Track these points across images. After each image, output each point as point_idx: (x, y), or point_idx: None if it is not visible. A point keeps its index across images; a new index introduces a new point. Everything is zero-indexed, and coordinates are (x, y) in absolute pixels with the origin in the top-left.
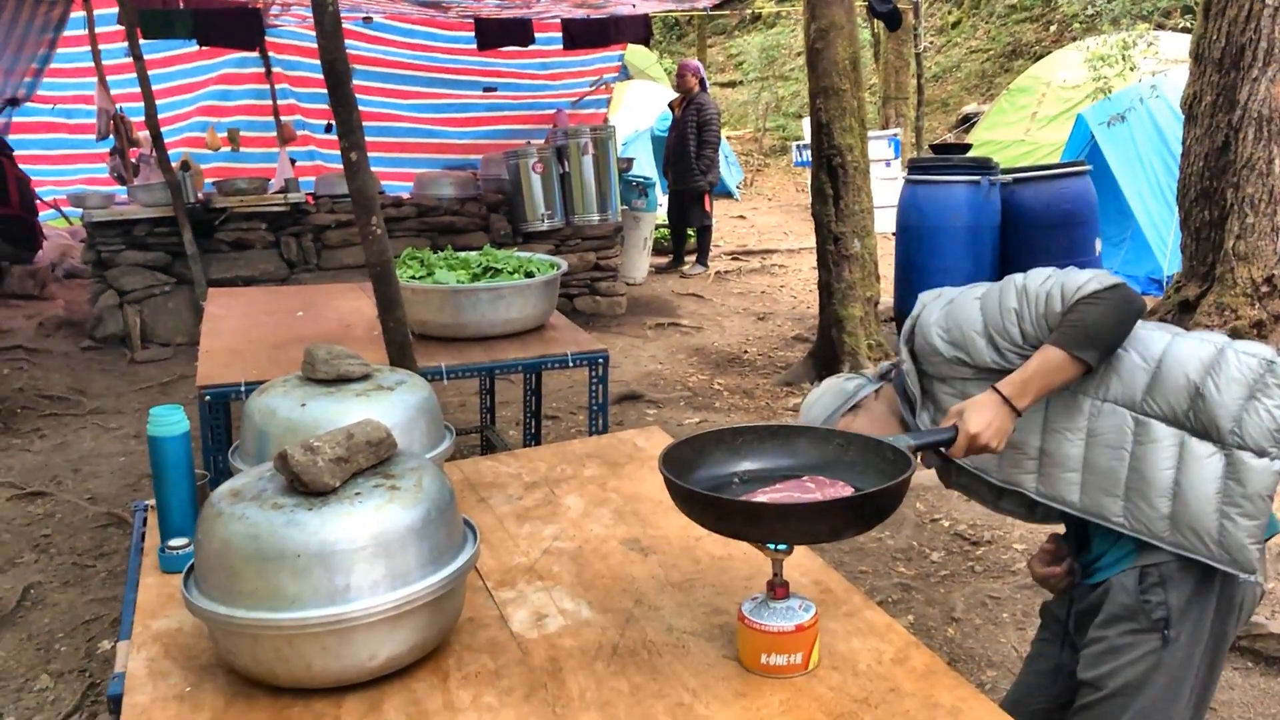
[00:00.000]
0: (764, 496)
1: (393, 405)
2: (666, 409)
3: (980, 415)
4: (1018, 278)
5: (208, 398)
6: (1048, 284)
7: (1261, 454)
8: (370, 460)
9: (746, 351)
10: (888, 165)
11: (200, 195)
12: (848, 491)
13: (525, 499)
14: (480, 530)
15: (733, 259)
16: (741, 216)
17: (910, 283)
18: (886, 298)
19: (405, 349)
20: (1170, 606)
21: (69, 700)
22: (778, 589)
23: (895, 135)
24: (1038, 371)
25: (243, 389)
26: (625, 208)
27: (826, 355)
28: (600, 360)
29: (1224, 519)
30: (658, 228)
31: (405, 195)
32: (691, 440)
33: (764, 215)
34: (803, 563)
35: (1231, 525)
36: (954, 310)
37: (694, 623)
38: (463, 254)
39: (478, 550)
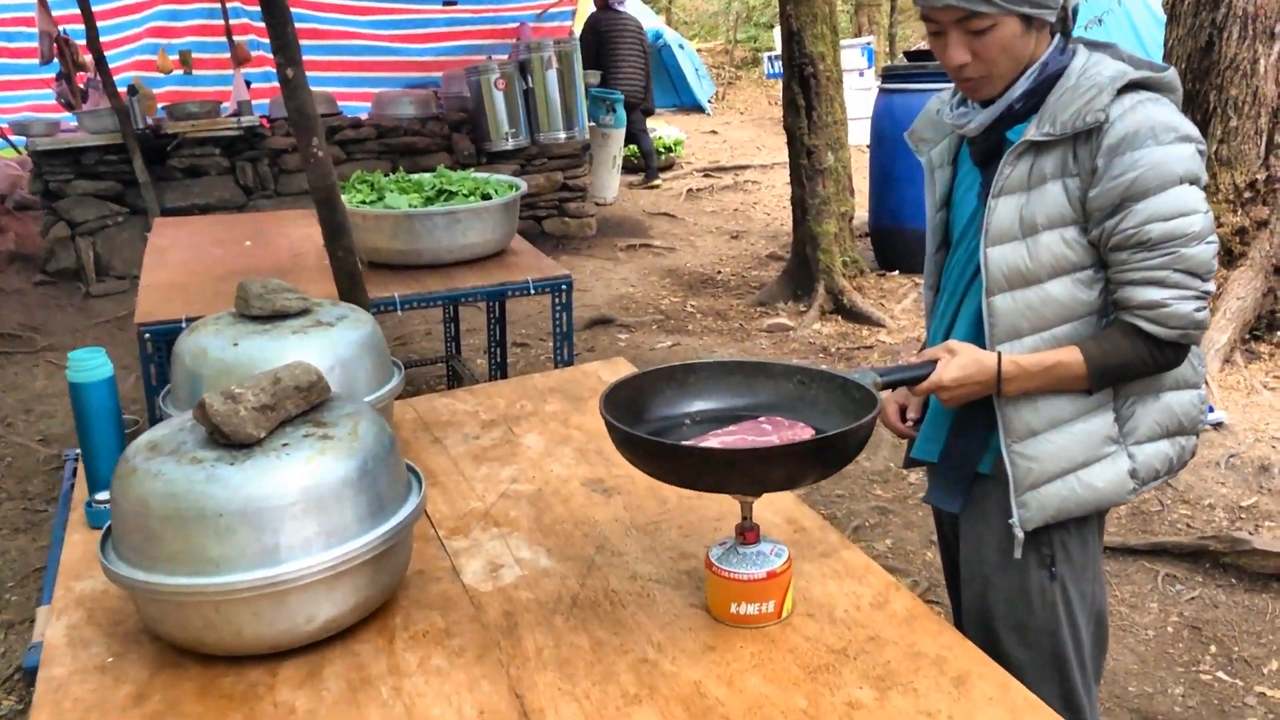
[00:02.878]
0: (715, 440)
1: (334, 342)
2: (638, 333)
3: (964, 373)
4: (1192, 215)
5: (148, 335)
6: (1184, 255)
7: None
8: (300, 407)
9: (720, 272)
10: (861, 75)
11: (151, 121)
12: (807, 434)
13: (483, 438)
14: (434, 473)
15: (705, 176)
16: (713, 132)
17: (886, 197)
18: (861, 213)
19: (355, 279)
20: None
21: (19, 652)
22: (747, 533)
23: (868, 43)
24: (1050, 375)
25: (184, 326)
26: (593, 124)
27: (801, 274)
28: (564, 286)
29: None
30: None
31: (364, 116)
32: (638, 378)
33: (736, 130)
34: (775, 499)
35: None
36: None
37: (660, 569)
38: (415, 176)
39: (423, 501)
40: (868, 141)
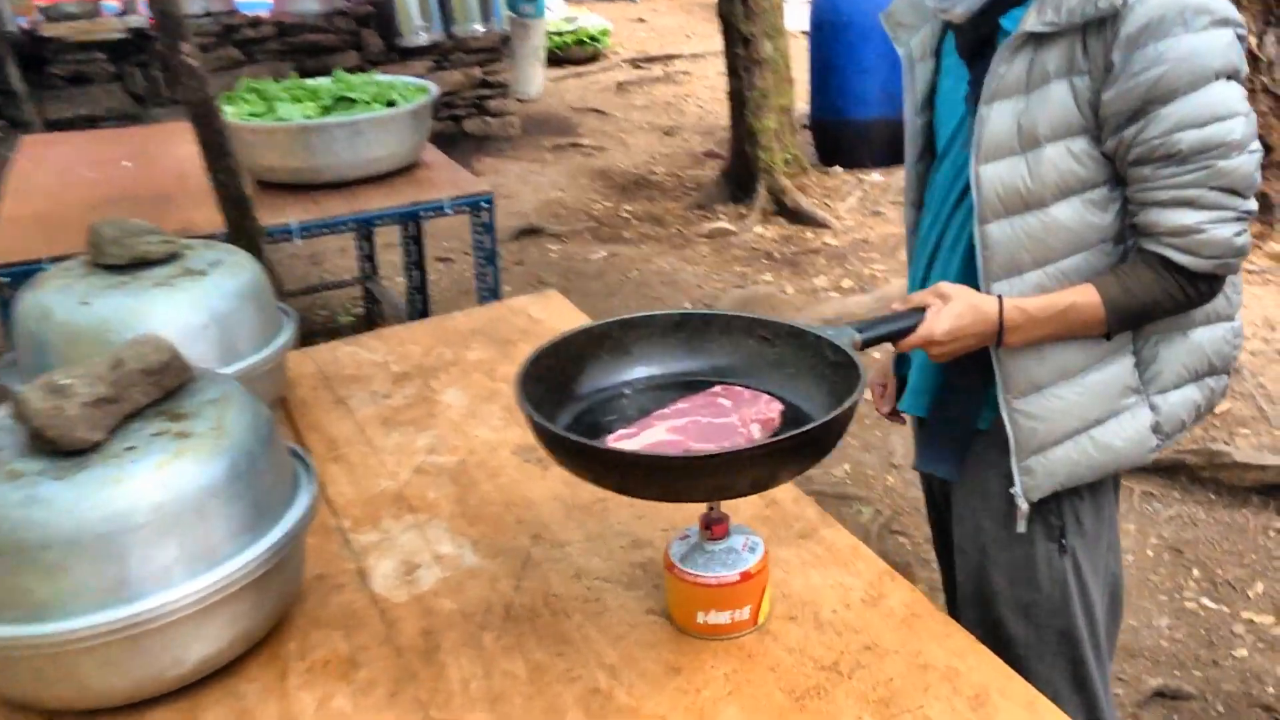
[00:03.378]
0: (661, 426)
1: (207, 294)
2: (570, 243)
3: (959, 324)
4: (1227, 118)
5: (5, 280)
6: (1221, 168)
7: None
8: (149, 396)
9: (654, 172)
10: None
11: (26, 23)
12: (773, 410)
13: (394, 396)
14: (336, 444)
15: (634, 67)
16: (640, 20)
17: (827, 87)
18: (801, 104)
19: (243, 207)
20: None
21: None
22: (714, 526)
23: None
24: (1061, 321)
25: (46, 269)
26: (512, 15)
27: (740, 173)
28: (484, 204)
29: None
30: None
31: (264, 14)
32: (565, 343)
33: (664, 17)
34: None
35: None
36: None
37: (609, 564)
38: (311, 82)
39: (315, 503)
40: (805, 27)
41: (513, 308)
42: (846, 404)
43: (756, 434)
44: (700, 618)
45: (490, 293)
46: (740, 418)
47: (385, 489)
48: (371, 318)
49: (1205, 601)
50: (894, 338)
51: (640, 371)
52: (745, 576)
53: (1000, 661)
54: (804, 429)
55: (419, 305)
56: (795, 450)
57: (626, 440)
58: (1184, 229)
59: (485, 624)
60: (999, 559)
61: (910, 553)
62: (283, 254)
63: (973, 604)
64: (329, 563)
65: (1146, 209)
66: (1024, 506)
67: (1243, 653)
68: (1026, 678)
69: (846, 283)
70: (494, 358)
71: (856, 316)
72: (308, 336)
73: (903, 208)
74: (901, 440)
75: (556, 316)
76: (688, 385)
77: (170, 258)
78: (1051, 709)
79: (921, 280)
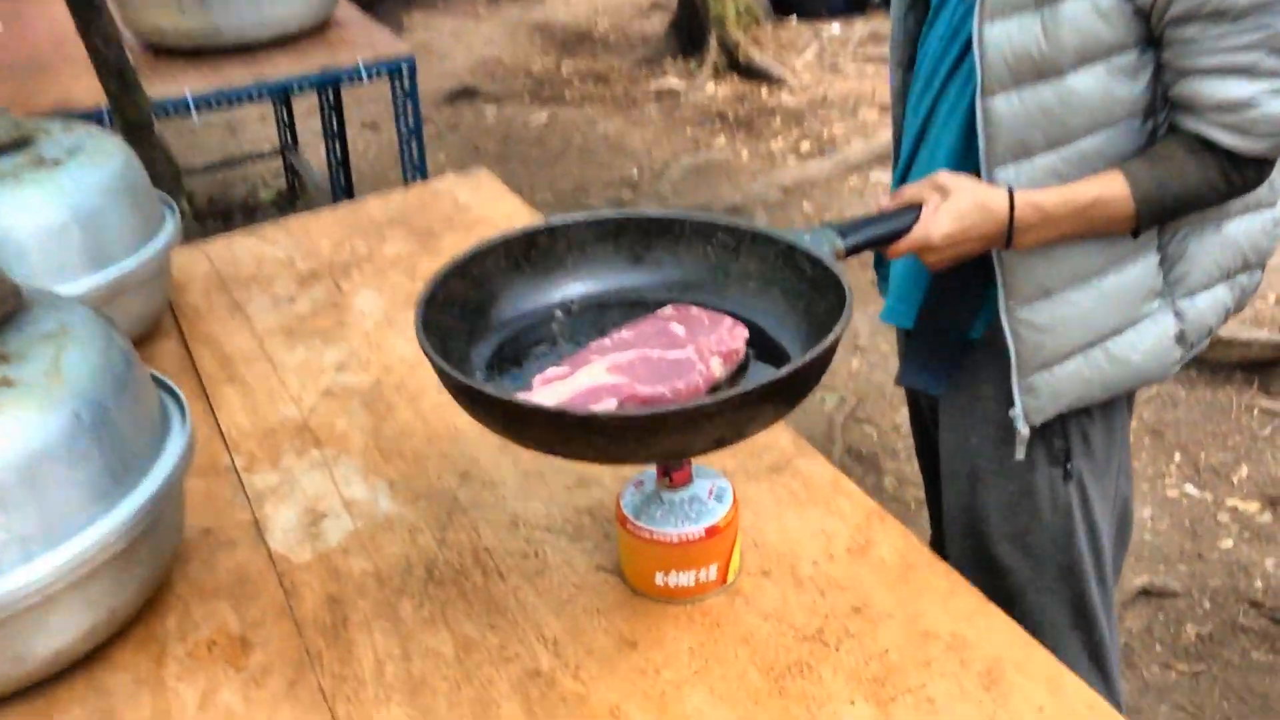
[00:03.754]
0: (601, 362)
1: (62, 189)
2: (508, 105)
3: (961, 225)
4: None
5: None
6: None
7: None
8: None
9: (597, 25)
10: None
11: None
12: (739, 337)
13: (299, 301)
14: (231, 362)
15: None
16: None
17: None
18: None
19: (126, 77)
20: None
21: None
22: (674, 474)
23: None
24: (1082, 218)
25: None
26: None
27: (689, 26)
28: (404, 68)
29: None
30: None
31: None
32: (478, 258)
33: None
34: None
35: None
36: None
37: (551, 508)
38: None
39: (187, 453)
40: None
41: (437, 191)
42: (828, 340)
43: (718, 370)
44: (660, 579)
45: (416, 170)
46: (697, 349)
47: (287, 418)
48: (294, 191)
49: (1189, 489)
50: (883, 243)
51: (575, 289)
52: (712, 532)
53: (1016, 627)
54: (778, 375)
55: (341, 181)
56: (767, 399)
57: (557, 385)
58: (1234, 103)
59: (403, 588)
60: (993, 486)
61: (876, 443)
62: (193, 125)
63: (963, 534)
64: (219, 513)
65: (1188, 78)
66: (1024, 431)
67: (1228, 543)
68: (1021, 613)
69: (805, 145)
70: (414, 252)
71: (816, 184)
72: (226, 215)
73: (886, 66)
74: (867, 321)
75: (488, 201)
76: (634, 305)
77: (18, 144)
78: (1077, 684)
79: (907, 162)
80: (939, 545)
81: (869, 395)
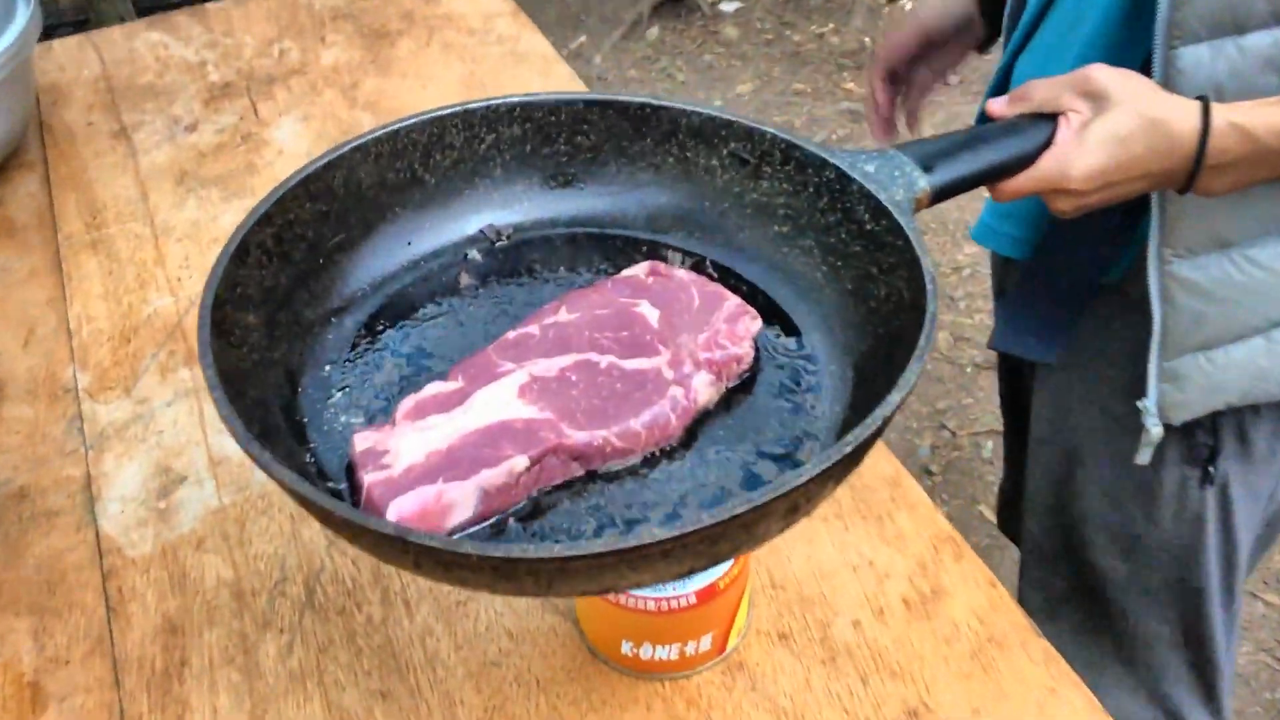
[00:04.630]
0: (511, 375)
1: None
2: None
3: (1120, 158)
4: None
5: None
6: None
7: None
8: None
9: None
10: None
11: None
12: (745, 332)
13: (202, 128)
14: (101, 217)
15: None
16: None
17: None
18: None
19: None
20: None
21: None
22: None
23: None
24: None
25: None
26: None
27: None
28: None
29: None
30: None
31: None
32: (351, 157)
33: None
34: None
35: None
36: None
37: None
38: None
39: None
40: None
41: None
42: (890, 403)
43: (703, 393)
44: (628, 649)
45: None
46: (673, 354)
47: (157, 313)
48: None
49: None
50: (992, 177)
51: (501, 213)
52: (707, 595)
53: None
54: (800, 477)
55: None
56: (773, 514)
57: (431, 425)
58: None
59: (270, 617)
60: (1095, 472)
61: (949, 442)
62: None
63: (1045, 514)
64: (42, 462)
65: None
66: (1155, 430)
67: None
68: (1107, 617)
69: None
70: (359, 62)
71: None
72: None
73: None
74: (930, 124)
75: None
76: (591, 243)
77: None
78: None
79: (1023, 38)
80: (1008, 529)
81: (945, 375)
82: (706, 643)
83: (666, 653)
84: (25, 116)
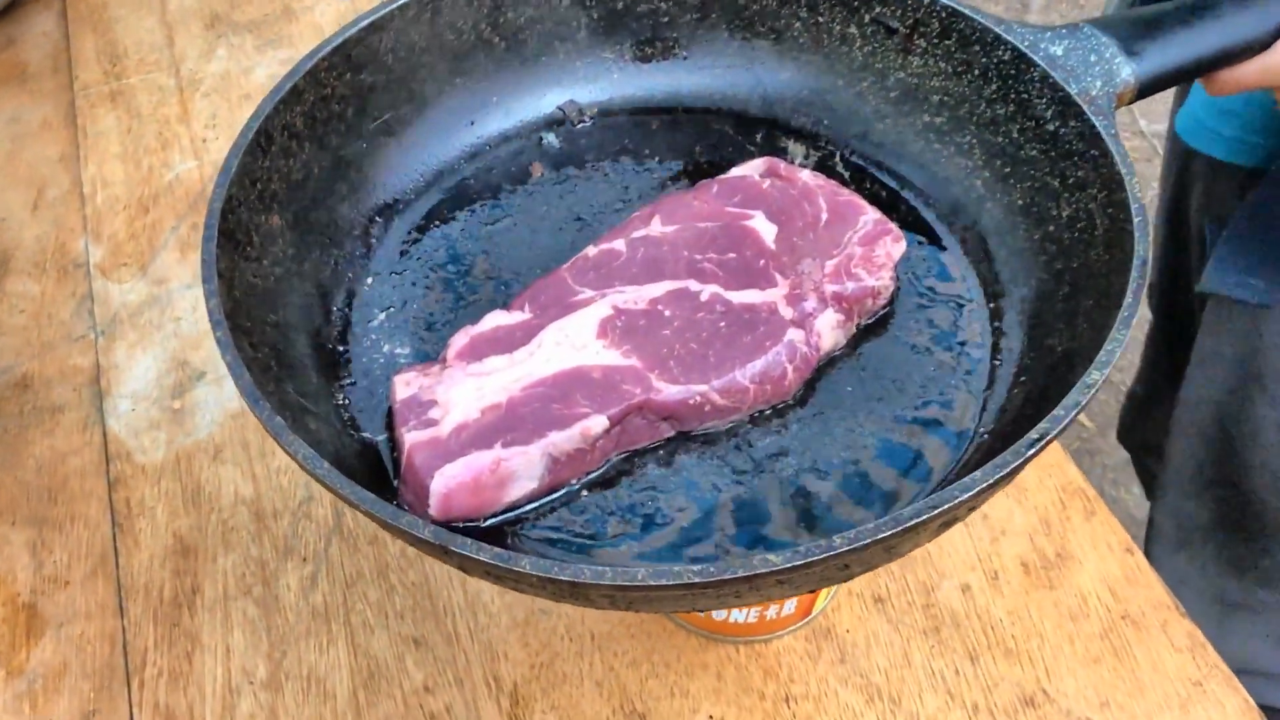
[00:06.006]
0: (594, 305)
1: None
2: None
3: None
4: None
5: None
6: None
7: None
8: None
9: None
10: None
11: None
12: (885, 257)
13: None
14: (120, 63)
15: None
16: None
17: None
18: None
19: None
20: None
21: None
22: None
23: None
24: None
25: None
26: None
27: None
28: None
29: None
30: None
31: None
32: (414, 4)
33: None
34: None
35: None
36: None
37: None
38: None
39: None
40: None
41: None
42: (1082, 394)
43: (829, 333)
44: (715, 611)
45: None
46: (793, 285)
47: (179, 180)
48: None
49: None
50: (1214, 65)
51: (584, 90)
52: None
53: None
54: (964, 494)
55: None
56: (931, 528)
57: (488, 370)
58: None
59: (292, 543)
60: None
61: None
62: None
63: (1203, 433)
64: (48, 346)
65: None
66: None
67: None
68: (1257, 563)
69: None
70: None
71: None
72: None
73: None
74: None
75: None
76: (681, 135)
77: None
78: None
79: None
80: (1131, 425)
81: None
82: (790, 605)
83: (743, 614)
84: None
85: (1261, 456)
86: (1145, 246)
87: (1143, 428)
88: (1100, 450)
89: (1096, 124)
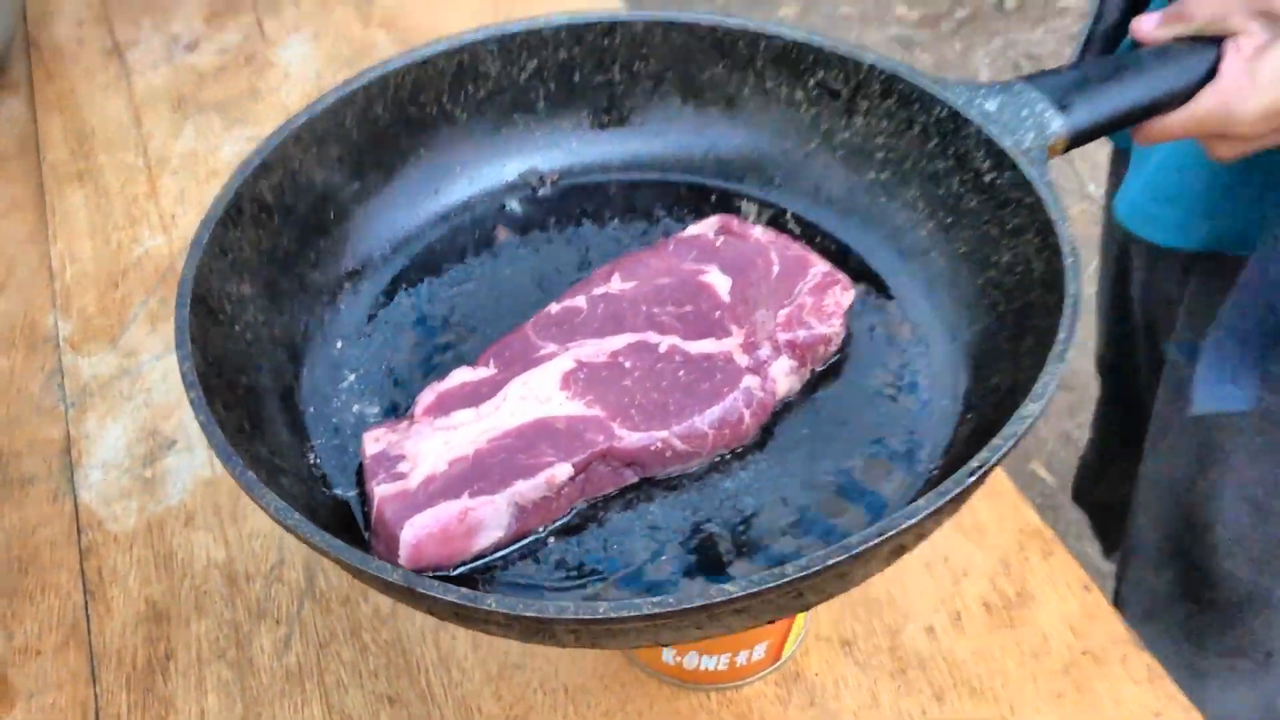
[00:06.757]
0: (556, 359)
1: None
2: None
3: None
4: None
5: None
6: None
7: None
8: None
9: None
10: None
11: None
12: (835, 305)
13: (203, 47)
14: (89, 145)
15: None
16: None
17: None
18: None
19: None
20: None
21: None
22: None
23: None
24: None
25: None
26: None
27: None
28: None
29: None
30: None
31: None
32: (372, 90)
33: None
34: None
35: None
36: None
37: None
38: None
39: None
40: None
41: None
42: (1022, 420)
43: (783, 380)
44: (670, 657)
45: None
46: (747, 334)
47: (148, 255)
48: None
49: None
50: (1141, 116)
51: (548, 157)
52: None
53: None
54: (911, 518)
55: None
56: (881, 555)
57: (454, 423)
58: None
59: (265, 605)
60: (1240, 473)
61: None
62: None
63: (1164, 508)
64: (17, 424)
65: None
66: None
67: None
68: (1223, 634)
69: None
70: None
71: None
72: None
73: None
74: (988, 59)
75: None
76: (638, 199)
77: None
78: None
79: None
80: (1082, 487)
81: None
82: (760, 650)
83: (714, 661)
84: (9, 30)
85: (1225, 529)
86: (1077, 284)
87: (1096, 489)
88: (1062, 505)
89: (1029, 174)
